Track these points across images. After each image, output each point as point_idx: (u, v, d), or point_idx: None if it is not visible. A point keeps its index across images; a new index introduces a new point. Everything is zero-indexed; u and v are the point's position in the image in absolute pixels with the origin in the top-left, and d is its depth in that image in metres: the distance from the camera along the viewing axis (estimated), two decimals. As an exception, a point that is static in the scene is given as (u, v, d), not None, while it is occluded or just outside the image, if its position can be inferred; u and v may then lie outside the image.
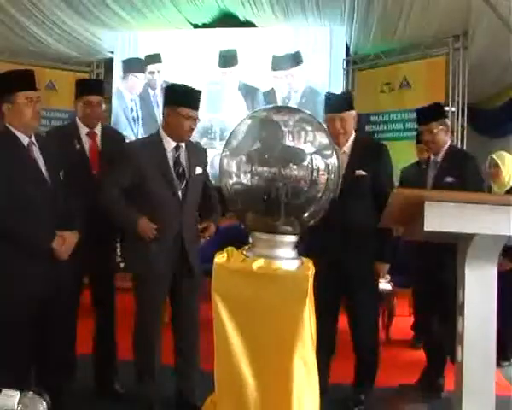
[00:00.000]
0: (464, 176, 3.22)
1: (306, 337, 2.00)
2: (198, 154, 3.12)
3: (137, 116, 7.85)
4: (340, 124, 3.13)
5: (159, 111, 7.41)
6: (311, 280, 2.01)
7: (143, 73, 7.85)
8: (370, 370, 3.28)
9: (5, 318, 2.58)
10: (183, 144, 3.00)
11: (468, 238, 2.18)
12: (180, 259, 2.95)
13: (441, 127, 3.34)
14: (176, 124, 2.92)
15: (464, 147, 6.41)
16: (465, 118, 6.40)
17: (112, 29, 7.50)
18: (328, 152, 2.10)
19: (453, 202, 2.12)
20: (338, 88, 6.94)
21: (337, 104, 3.21)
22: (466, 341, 2.23)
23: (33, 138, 2.71)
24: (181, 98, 2.91)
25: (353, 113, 3.22)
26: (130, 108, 7.92)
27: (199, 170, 3.03)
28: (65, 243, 2.67)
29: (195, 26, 7.63)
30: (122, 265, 3.52)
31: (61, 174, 2.77)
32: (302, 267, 2.05)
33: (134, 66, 7.91)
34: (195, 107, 2.93)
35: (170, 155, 2.95)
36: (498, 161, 4.05)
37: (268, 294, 2.01)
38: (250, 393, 2.02)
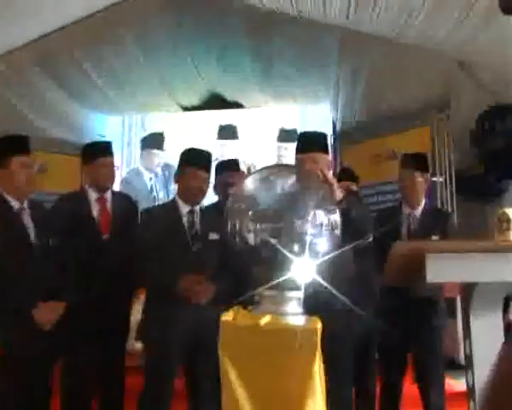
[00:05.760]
0: (446, 234, 3.17)
1: (317, 393, 1.96)
2: (214, 219, 2.92)
3: (157, 196, 7.28)
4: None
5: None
6: (319, 334, 1.99)
7: (162, 150, 7.41)
8: None
9: None
10: (196, 208, 2.99)
11: (471, 287, 2.19)
12: (194, 329, 2.80)
13: (423, 179, 3.29)
14: (184, 184, 2.96)
15: (455, 214, 6.47)
16: (453, 185, 6.50)
17: (103, 112, 7.69)
18: (331, 208, 2.14)
19: (453, 253, 2.15)
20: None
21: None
22: (478, 395, 2.19)
23: (25, 204, 2.70)
24: (187, 158, 2.98)
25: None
26: (150, 186, 7.43)
27: (213, 236, 2.92)
28: (49, 312, 2.61)
29: (185, 109, 7.87)
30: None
31: (50, 241, 2.72)
32: (310, 322, 2.04)
33: (151, 142, 7.57)
34: (202, 167, 2.94)
35: (185, 220, 2.94)
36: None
37: (277, 349, 1.99)
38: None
